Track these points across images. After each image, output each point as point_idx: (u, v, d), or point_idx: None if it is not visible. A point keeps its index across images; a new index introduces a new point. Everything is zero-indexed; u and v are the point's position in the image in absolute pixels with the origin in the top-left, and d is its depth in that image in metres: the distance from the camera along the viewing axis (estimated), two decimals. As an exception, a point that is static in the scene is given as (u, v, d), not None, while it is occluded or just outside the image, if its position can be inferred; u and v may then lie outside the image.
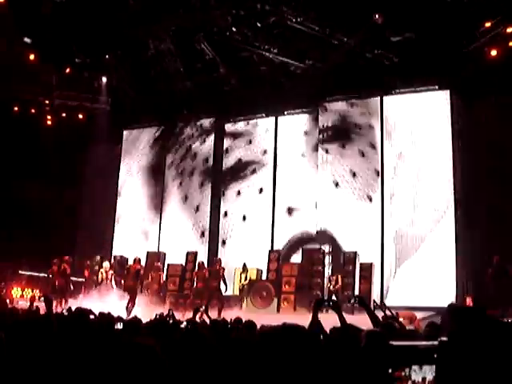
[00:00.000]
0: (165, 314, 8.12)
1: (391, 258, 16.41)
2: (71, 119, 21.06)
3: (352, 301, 14.42)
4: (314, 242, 17.49)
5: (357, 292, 15.25)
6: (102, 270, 16.46)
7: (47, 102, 20.81)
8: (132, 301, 14.58)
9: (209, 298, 14.66)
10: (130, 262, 17.82)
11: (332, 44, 17.02)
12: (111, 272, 16.40)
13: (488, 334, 2.05)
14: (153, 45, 18.58)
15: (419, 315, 12.47)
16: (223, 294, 15.22)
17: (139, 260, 15.95)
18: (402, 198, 16.68)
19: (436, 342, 1.44)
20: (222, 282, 15.41)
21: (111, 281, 16.10)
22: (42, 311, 5.09)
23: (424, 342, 1.45)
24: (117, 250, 20.26)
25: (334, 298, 15.31)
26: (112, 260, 18.99)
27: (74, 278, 18.08)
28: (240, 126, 20.23)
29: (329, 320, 4.71)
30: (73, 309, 7.04)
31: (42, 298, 5.17)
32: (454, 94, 16.40)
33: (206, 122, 20.63)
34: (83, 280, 17.58)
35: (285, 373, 1.67)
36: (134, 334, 3.77)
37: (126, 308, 14.24)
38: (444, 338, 1.44)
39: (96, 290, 15.80)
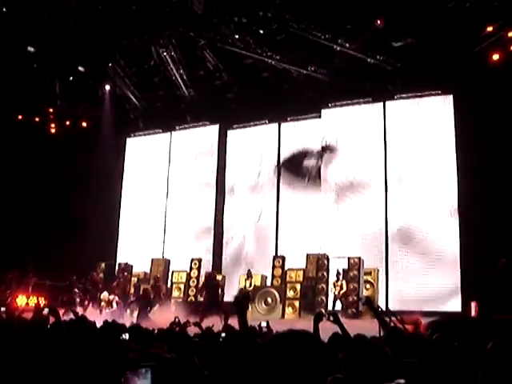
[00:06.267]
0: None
1: (396, 263, 16.40)
2: (75, 127, 21.16)
3: (361, 301, 14.48)
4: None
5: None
6: (102, 299, 16.57)
7: (51, 110, 20.91)
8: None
9: (204, 311, 14.68)
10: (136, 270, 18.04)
11: (334, 50, 17.07)
12: (111, 298, 16.49)
13: None
14: (156, 52, 18.66)
15: (424, 320, 12.48)
16: (221, 304, 15.35)
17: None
18: (406, 204, 16.67)
19: None
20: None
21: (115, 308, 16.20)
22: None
23: None
24: (121, 257, 20.28)
25: (338, 303, 15.35)
26: (117, 268, 19.08)
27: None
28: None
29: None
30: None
31: (47, 310, 5.19)
32: (457, 98, 16.40)
33: (209, 129, 20.65)
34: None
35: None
36: (142, 343, 3.81)
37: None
38: (401, 381, 1.45)
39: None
